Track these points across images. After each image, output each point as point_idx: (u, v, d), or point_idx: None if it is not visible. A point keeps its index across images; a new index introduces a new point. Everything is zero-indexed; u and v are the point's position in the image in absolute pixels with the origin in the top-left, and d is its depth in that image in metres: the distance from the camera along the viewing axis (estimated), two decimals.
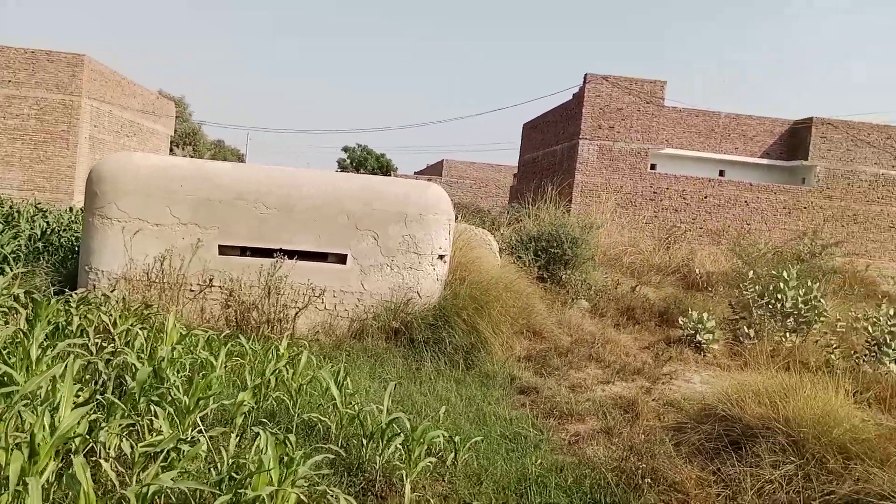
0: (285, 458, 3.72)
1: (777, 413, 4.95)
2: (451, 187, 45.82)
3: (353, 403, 5.23)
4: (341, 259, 8.48)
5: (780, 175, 25.98)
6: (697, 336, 8.84)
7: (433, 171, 51.67)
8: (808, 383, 5.28)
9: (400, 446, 4.45)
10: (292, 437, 3.92)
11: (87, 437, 4.08)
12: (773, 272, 9.97)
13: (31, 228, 11.81)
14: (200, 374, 4.95)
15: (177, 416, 4.47)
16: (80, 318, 6.31)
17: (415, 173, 54.46)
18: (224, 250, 8.17)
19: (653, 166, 24.70)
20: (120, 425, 4.33)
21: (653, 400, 6.61)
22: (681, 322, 9.30)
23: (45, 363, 4.71)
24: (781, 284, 9.05)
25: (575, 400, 6.54)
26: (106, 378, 5.11)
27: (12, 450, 3.23)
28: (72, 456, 3.37)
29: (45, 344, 5.07)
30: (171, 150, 40.13)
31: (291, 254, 8.28)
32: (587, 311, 10.87)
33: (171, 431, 4.02)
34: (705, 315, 9.03)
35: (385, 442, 4.50)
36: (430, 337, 8.02)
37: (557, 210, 14.58)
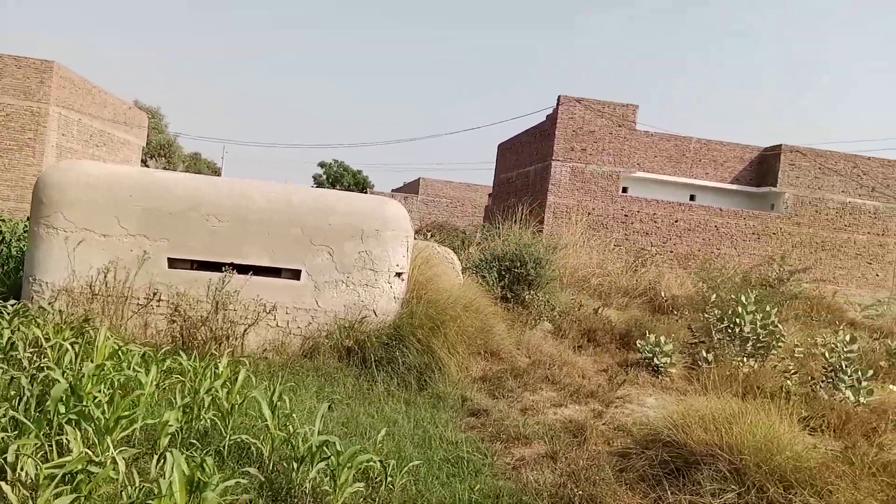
0: (200, 482, 3.55)
1: (721, 439, 4.85)
2: (428, 206, 45.79)
3: (289, 424, 5.05)
4: (295, 275, 8.30)
5: (749, 201, 26.27)
6: (655, 359, 8.76)
7: (410, 189, 51.55)
8: (754, 409, 5.19)
9: (329, 470, 4.27)
10: (209, 460, 3.73)
11: None
12: (734, 296, 9.94)
13: None
14: (124, 392, 4.74)
15: (96, 435, 4.27)
16: (11, 331, 6.08)
17: (392, 191, 54.33)
18: (173, 263, 7.96)
19: (624, 189, 24.85)
20: (35, 445, 4.12)
21: (603, 424, 6.49)
22: (639, 345, 9.22)
23: None
24: (740, 309, 9.01)
25: (524, 423, 6.40)
26: (28, 395, 4.89)
27: None
28: None
29: None
30: (143, 161, 39.63)
31: (244, 268, 8.08)
32: (549, 333, 10.76)
33: (81, 452, 3.81)
34: (662, 338, 8.96)
35: (314, 465, 4.32)
36: (384, 356, 7.84)
37: (527, 230, 14.50)
